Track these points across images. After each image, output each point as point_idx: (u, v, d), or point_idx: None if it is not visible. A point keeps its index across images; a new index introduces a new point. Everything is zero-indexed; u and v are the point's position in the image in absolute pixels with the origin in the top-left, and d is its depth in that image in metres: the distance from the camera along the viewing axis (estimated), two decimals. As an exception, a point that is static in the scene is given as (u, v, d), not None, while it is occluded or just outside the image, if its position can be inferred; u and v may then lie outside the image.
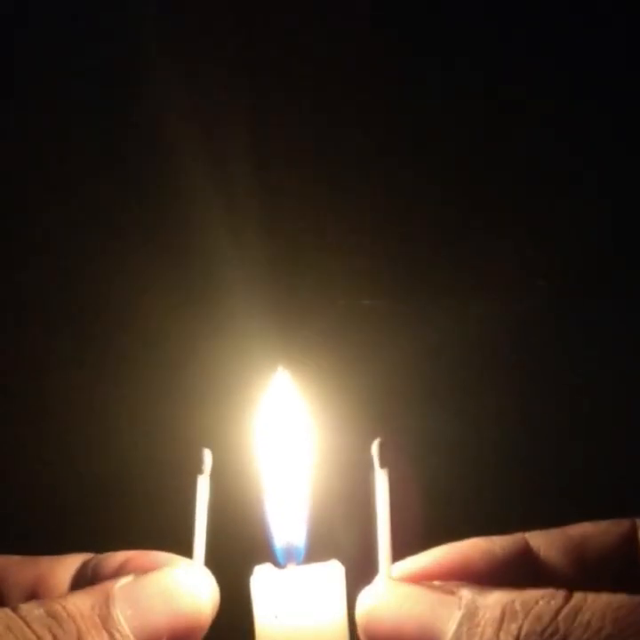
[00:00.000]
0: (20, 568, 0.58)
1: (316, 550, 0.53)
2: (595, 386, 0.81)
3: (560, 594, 0.47)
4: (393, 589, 0.51)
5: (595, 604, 0.46)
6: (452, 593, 0.49)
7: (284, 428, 0.54)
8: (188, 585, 0.51)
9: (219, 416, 0.71)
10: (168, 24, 0.79)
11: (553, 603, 0.47)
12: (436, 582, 0.51)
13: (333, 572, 0.52)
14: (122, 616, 0.49)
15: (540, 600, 0.47)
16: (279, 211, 0.79)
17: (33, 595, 0.56)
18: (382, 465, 0.52)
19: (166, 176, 0.79)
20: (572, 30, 0.81)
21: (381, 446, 0.52)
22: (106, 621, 0.48)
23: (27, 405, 0.81)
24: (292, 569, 0.53)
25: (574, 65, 0.81)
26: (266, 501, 0.54)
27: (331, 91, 0.80)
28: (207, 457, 0.53)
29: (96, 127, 0.80)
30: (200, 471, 0.53)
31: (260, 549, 0.53)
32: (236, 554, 0.53)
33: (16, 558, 0.59)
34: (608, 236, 0.81)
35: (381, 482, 0.52)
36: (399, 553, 0.53)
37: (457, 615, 0.48)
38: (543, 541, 0.55)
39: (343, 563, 0.53)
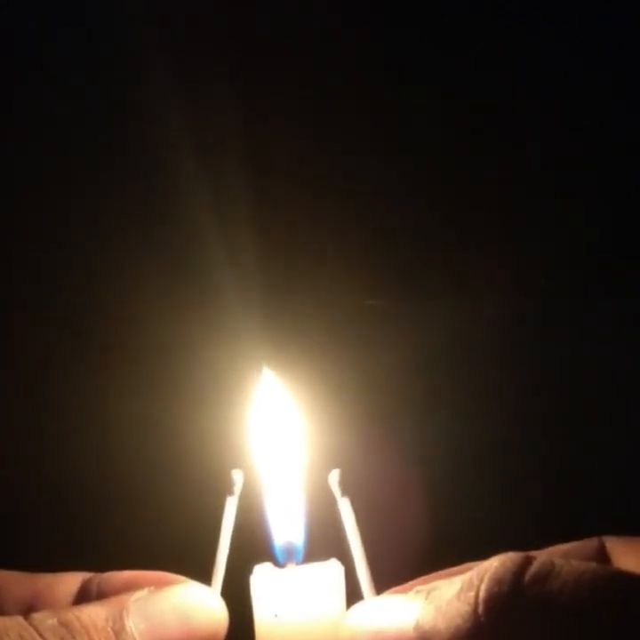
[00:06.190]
0: (17, 584, 0.57)
1: (316, 550, 0.53)
2: (594, 386, 0.81)
3: (516, 555, 0.46)
4: (372, 605, 0.51)
5: (565, 570, 0.44)
6: (423, 590, 0.49)
7: (281, 427, 0.54)
8: (202, 602, 0.51)
9: (214, 416, 0.71)
10: (163, 26, 0.80)
11: (509, 564, 0.45)
12: None
13: (333, 572, 0.52)
14: (135, 630, 0.49)
15: (494, 563, 0.46)
16: (273, 213, 0.80)
17: (30, 611, 0.56)
18: (343, 494, 0.52)
19: (163, 179, 0.80)
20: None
21: (340, 476, 0.52)
22: (119, 634, 0.48)
23: (29, 419, 0.81)
24: (292, 568, 0.53)
25: (572, 55, 0.82)
26: (265, 500, 0.54)
27: (326, 94, 0.81)
28: (237, 477, 0.52)
29: (93, 130, 0.81)
30: (230, 492, 0.52)
31: (259, 548, 0.53)
32: (236, 553, 0.52)
33: (14, 574, 0.58)
34: (607, 237, 0.82)
35: (346, 510, 0.52)
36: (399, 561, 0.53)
37: (424, 604, 0.47)
38: None
39: (343, 562, 0.53)
